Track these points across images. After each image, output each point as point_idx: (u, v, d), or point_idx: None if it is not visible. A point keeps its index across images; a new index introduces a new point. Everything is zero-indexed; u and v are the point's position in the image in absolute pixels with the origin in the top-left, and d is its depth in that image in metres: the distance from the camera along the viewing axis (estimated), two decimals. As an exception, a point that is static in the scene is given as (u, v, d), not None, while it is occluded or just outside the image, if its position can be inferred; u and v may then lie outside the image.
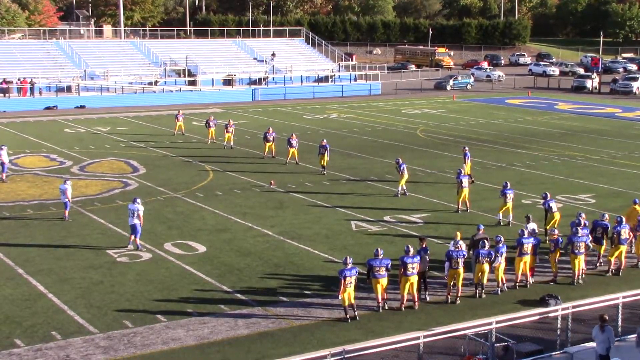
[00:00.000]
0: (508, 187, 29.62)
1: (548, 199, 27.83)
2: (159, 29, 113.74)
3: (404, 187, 34.18)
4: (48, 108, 65.51)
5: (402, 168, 33.98)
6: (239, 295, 22.15)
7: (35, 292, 22.17)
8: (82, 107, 66.82)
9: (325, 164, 38.69)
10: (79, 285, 22.77)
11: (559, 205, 29.57)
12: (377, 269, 20.78)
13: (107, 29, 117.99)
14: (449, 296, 22.02)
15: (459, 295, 21.98)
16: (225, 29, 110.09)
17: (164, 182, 36.69)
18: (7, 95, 66.98)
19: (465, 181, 31.63)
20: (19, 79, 68.50)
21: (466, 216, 30.73)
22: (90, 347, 18.52)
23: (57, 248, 26.20)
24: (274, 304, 21.59)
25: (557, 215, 27.30)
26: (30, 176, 37.97)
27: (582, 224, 24.46)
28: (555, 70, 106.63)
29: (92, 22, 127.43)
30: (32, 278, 23.26)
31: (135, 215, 26.00)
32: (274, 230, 28.60)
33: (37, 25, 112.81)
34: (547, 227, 26.73)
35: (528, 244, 23.11)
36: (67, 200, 29.56)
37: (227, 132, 46.23)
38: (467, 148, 38.53)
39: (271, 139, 42.77)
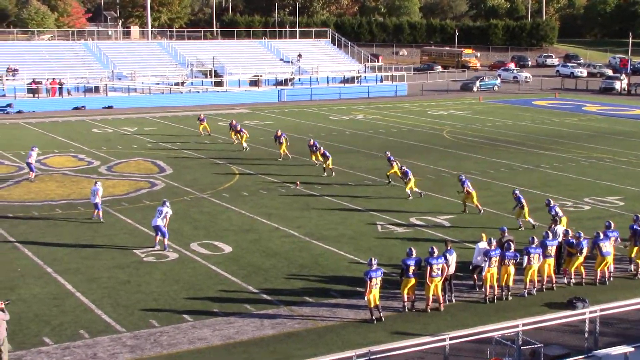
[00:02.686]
0: (518, 194, 29.41)
1: (552, 204, 27.54)
2: (185, 30, 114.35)
3: (417, 189, 33.93)
4: (76, 108, 66.08)
5: (408, 174, 33.70)
6: (264, 296, 22.21)
7: (63, 291, 22.37)
8: (109, 107, 67.33)
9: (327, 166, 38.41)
10: (106, 284, 22.94)
11: (587, 207, 29.33)
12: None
13: (135, 30, 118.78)
14: (487, 297, 22.00)
15: (488, 295, 21.92)
16: (251, 30, 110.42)
17: (191, 182, 36.87)
18: (36, 95, 67.63)
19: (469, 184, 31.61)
20: (47, 80, 69.14)
21: (491, 218, 30.58)
22: (118, 346, 18.65)
23: (85, 248, 26.42)
24: (300, 304, 21.62)
25: (564, 220, 26.94)
26: (58, 176, 38.31)
27: (610, 227, 24.26)
28: (582, 72, 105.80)
29: (120, 23, 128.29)
30: (60, 277, 23.47)
31: (162, 216, 26.13)
32: (299, 231, 28.64)
33: (66, 27, 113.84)
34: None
35: (552, 247, 22.98)
36: (98, 201, 29.70)
37: (239, 134, 46.13)
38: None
39: (282, 140, 42.55)
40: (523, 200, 28.98)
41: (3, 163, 41.27)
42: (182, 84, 76.21)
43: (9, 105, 64.06)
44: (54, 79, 69.20)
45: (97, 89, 71.72)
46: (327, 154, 38.38)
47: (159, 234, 26.27)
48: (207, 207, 32.24)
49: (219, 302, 21.62)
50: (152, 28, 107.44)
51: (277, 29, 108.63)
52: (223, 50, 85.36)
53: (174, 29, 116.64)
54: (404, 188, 33.99)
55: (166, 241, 26.24)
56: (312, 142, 40.56)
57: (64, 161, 42.24)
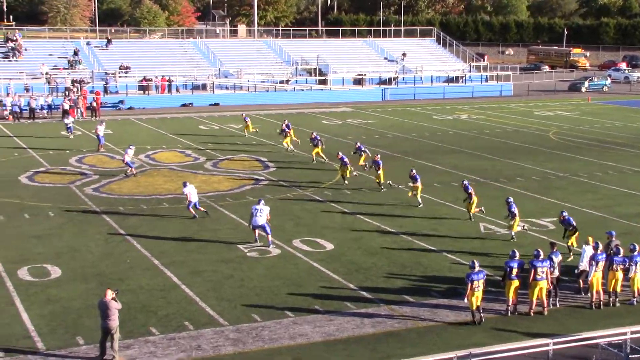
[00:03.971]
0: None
1: (566, 215, 26.09)
2: (291, 28, 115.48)
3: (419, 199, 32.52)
4: (184, 105, 67.68)
5: (416, 179, 32.34)
6: (365, 294, 22.26)
7: (169, 283, 22.97)
8: (216, 104, 68.67)
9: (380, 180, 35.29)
10: (210, 278, 23.44)
11: None
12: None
13: (242, 28, 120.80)
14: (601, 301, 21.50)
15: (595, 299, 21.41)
16: (356, 28, 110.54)
17: (294, 179, 37.26)
18: (146, 92, 69.62)
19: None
20: (157, 77, 71.05)
21: (598, 221, 29.77)
22: (221, 339, 19.03)
23: (190, 241, 27.05)
24: (400, 303, 21.58)
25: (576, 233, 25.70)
26: (166, 171, 39.33)
27: None
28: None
29: (228, 22, 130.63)
30: (166, 269, 24.11)
31: (260, 214, 26.43)
32: (401, 230, 28.57)
33: (176, 25, 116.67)
34: (569, 244, 25.46)
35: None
36: (191, 201, 30.15)
37: (287, 134, 45.20)
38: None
39: (317, 143, 41.15)
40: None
41: (114, 158, 42.62)
42: (287, 82, 77.02)
43: (121, 101, 66.14)
44: (163, 76, 71.07)
45: (204, 87, 73.26)
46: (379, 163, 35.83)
47: (259, 230, 26.62)
48: (309, 205, 32.52)
49: (320, 299, 21.78)
50: (258, 27, 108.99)
51: (381, 28, 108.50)
52: (328, 48, 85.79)
53: (280, 28, 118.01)
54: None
55: (270, 238, 26.60)
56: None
57: (171, 157, 43.32)
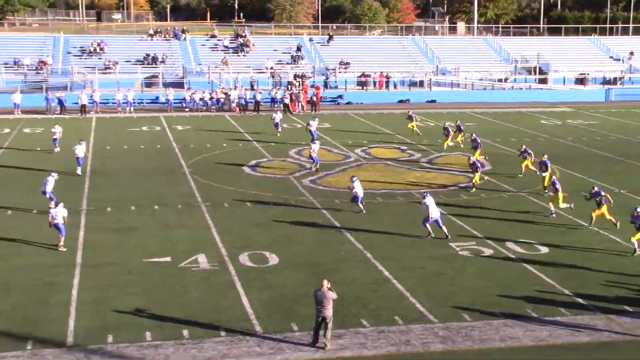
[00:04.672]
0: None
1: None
2: (511, 26, 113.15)
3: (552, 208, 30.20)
4: (401, 101, 68.21)
5: (556, 186, 30.05)
6: (580, 300, 21.49)
7: (380, 277, 23.29)
8: (432, 101, 68.65)
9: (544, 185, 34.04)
10: (420, 274, 23.52)
11: None
12: None
13: (461, 25, 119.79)
14: None
15: None
16: (580, 26, 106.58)
17: (508, 179, 36.55)
18: (365, 88, 70.85)
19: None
20: (375, 73, 72.10)
21: None
22: (430, 336, 19.07)
23: (402, 236, 27.25)
24: (619, 313, 20.62)
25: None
26: (381, 166, 39.85)
27: None
28: None
29: (447, 19, 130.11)
30: (378, 263, 24.47)
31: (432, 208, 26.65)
32: (623, 237, 27.23)
33: (396, 22, 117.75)
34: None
35: None
36: (359, 196, 30.30)
37: (448, 135, 43.86)
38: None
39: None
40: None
41: (331, 151, 43.77)
42: (505, 80, 75.65)
43: (340, 96, 67.72)
44: (381, 72, 72.02)
45: (421, 83, 73.49)
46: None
47: (432, 224, 26.79)
48: (524, 205, 31.80)
49: (532, 302, 21.26)
50: (477, 24, 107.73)
51: (607, 25, 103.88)
52: (549, 46, 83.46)
53: (500, 25, 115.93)
54: None
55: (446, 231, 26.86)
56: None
57: (388, 152, 43.81)
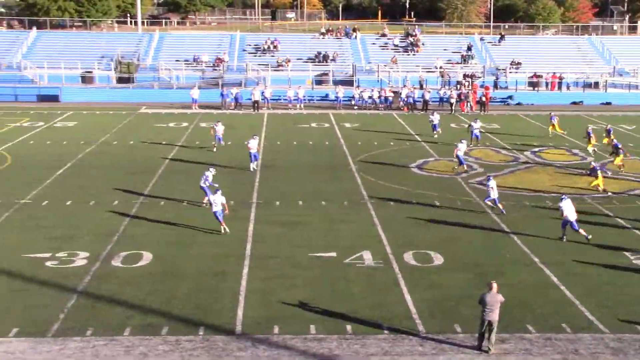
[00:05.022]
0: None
1: None
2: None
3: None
4: (574, 103, 65.99)
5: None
6: None
7: (547, 282, 22.67)
8: (607, 103, 66.03)
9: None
10: (590, 281, 22.71)
11: None
12: None
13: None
14: None
15: None
16: None
17: (690, 187, 34.67)
18: (536, 89, 69.05)
19: None
20: (548, 74, 70.11)
21: None
22: (600, 346, 18.36)
23: (570, 242, 26.22)
24: None
25: None
26: (551, 169, 38.74)
27: None
28: None
29: (627, 18, 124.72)
30: (545, 267, 23.82)
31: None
32: None
33: (571, 22, 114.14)
34: None
35: None
36: (494, 198, 29.82)
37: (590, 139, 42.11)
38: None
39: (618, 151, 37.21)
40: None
41: (500, 152, 43.01)
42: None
43: (510, 97, 66.35)
44: (554, 73, 69.95)
45: (596, 85, 70.79)
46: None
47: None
48: None
49: None
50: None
51: None
52: None
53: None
54: None
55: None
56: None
57: (558, 155, 42.54)
